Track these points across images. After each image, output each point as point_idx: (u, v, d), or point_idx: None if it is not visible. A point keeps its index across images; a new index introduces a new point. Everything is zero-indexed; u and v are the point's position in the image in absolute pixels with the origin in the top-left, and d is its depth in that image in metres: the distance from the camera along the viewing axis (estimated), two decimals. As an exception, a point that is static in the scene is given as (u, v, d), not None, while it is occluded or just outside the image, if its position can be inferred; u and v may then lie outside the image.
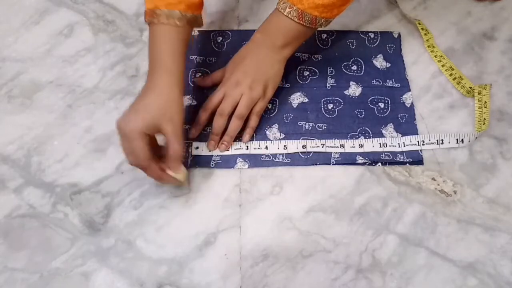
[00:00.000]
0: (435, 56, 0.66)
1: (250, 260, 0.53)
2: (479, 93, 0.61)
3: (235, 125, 0.57)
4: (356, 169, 0.58)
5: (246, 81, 0.57)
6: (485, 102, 0.61)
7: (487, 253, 0.54)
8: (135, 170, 0.57)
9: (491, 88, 0.63)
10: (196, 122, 0.59)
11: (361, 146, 0.59)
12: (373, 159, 0.58)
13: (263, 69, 0.58)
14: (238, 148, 0.59)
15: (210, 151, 0.59)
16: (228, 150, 0.59)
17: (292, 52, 0.59)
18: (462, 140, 0.59)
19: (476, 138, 0.59)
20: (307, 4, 0.53)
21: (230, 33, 0.68)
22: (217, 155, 0.59)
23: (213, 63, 0.66)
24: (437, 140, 0.59)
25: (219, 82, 0.60)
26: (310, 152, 0.59)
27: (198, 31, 0.68)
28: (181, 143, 0.50)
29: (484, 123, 0.59)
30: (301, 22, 0.55)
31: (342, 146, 0.59)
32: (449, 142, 0.59)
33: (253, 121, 0.59)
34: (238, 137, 0.59)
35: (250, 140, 0.59)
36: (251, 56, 0.58)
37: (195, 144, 0.59)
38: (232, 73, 0.58)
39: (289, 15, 0.55)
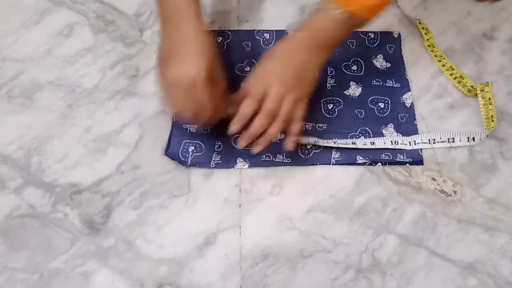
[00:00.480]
0: (435, 56, 0.66)
1: (250, 260, 0.53)
2: (481, 91, 0.61)
3: (277, 129, 0.52)
4: (356, 169, 0.58)
5: (292, 92, 0.52)
6: (489, 99, 0.60)
7: (487, 253, 0.54)
8: (135, 170, 0.58)
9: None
10: (240, 115, 0.52)
11: (372, 143, 0.59)
12: (373, 159, 0.59)
13: (305, 74, 0.53)
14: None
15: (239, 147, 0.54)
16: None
17: (330, 55, 0.56)
18: (473, 138, 0.59)
19: (487, 136, 0.59)
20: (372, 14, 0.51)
21: (230, 33, 0.68)
22: (217, 155, 0.59)
23: (213, 63, 0.66)
24: (448, 139, 0.59)
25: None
26: (310, 152, 0.59)
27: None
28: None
29: (492, 120, 0.59)
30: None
31: (354, 143, 0.59)
32: (460, 141, 0.59)
33: (298, 128, 0.54)
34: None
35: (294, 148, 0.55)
36: (295, 61, 0.53)
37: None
38: (278, 85, 0.51)
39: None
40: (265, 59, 0.54)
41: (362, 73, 0.65)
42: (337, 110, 0.62)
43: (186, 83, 0.48)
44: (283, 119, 0.52)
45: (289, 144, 0.54)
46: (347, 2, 0.50)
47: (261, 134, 0.52)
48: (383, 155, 0.59)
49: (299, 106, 0.53)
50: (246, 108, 0.51)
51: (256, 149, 0.53)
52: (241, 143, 0.53)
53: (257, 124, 0.51)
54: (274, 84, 0.51)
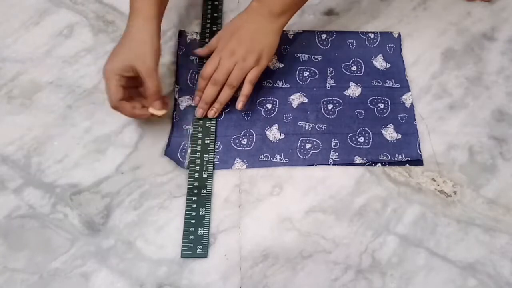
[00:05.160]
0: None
1: (250, 261, 0.53)
2: None
3: (226, 94, 0.59)
4: (356, 169, 0.58)
5: (240, 50, 0.58)
6: None
7: (487, 253, 0.53)
8: (135, 170, 0.58)
9: (491, 89, 0.62)
10: (197, 89, 0.60)
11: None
12: (371, 159, 0.58)
13: (258, 38, 0.58)
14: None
15: (198, 117, 0.60)
16: (217, 116, 0.60)
17: (287, 21, 0.60)
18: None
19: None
20: None
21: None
22: (216, 156, 0.59)
23: (213, 64, 0.66)
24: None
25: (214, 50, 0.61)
26: (309, 152, 0.59)
27: (199, 33, 0.68)
28: (154, 80, 0.54)
29: None
30: None
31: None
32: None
33: (246, 89, 0.59)
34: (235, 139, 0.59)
35: (243, 108, 0.60)
36: (247, 26, 0.59)
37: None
38: (228, 42, 0.59)
39: None
40: (221, 32, 0.61)
41: (361, 73, 0.65)
42: (337, 110, 0.62)
43: (103, 75, 0.54)
44: (231, 85, 0.58)
45: (238, 104, 0.59)
46: None
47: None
48: (382, 155, 0.59)
49: (252, 71, 0.59)
50: (201, 84, 0.59)
51: (210, 114, 0.60)
52: (198, 112, 0.60)
53: (208, 91, 0.59)
54: (224, 56, 0.58)
